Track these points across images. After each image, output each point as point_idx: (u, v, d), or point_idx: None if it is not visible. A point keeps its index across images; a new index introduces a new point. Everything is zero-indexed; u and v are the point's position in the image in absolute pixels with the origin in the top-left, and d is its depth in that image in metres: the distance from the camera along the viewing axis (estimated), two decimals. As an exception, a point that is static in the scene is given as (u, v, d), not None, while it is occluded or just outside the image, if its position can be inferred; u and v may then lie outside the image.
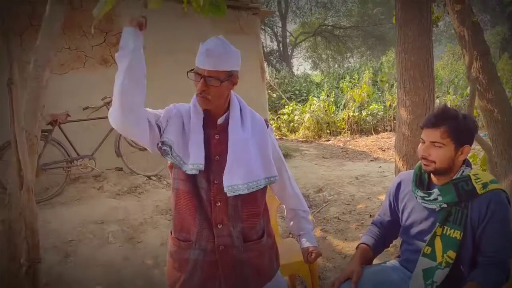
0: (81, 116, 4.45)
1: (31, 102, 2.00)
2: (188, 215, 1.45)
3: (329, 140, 7.34)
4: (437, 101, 7.94)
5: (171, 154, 1.42)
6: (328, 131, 7.82)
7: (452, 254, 1.54)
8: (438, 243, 1.58)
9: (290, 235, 3.22)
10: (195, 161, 1.39)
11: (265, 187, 1.51)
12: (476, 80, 3.14)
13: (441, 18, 3.69)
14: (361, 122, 8.01)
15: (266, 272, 1.55)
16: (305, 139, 7.52)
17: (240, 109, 1.49)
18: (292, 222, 1.73)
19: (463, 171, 1.61)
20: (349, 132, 7.72)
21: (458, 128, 1.56)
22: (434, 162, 1.58)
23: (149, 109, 1.45)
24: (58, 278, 2.80)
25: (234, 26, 5.37)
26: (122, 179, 4.55)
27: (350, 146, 6.67)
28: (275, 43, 19.41)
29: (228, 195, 1.40)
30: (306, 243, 1.68)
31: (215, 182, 1.42)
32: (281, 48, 18.73)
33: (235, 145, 1.42)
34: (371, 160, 5.54)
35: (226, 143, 1.44)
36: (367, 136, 7.60)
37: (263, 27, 17.01)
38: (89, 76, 4.64)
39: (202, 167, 1.39)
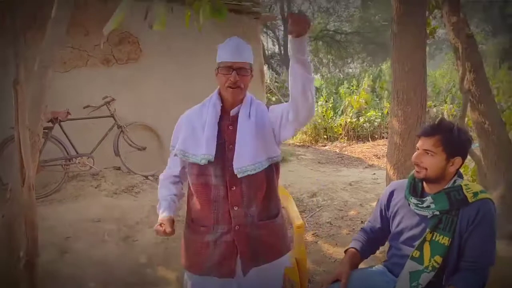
0: (81, 115, 4.51)
1: (34, 102, 2.07)
2: (205, 203, 1.62)
3: (325, 146, 7.42)
4: (434, 110, 8.03)
5: (187, 157, 1.63)
6: (325, 137, 7.90)
7: (439, 259, 1.62)
8: (426, 248, 1.66)
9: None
10: (206, 152, 1.57)
11: (271, 168, 1.65)
12: (469, 92, 3.21)
13: (440, 28, 3.78)
14: (358, 129, 8.08)
15: (276, 249, 1.70)
16: (302, 143, 7.59)
17: (250, 101, 1.66)
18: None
19: (455, 181, 1.70)
20: (346, 138, 7.79)
21: (451, 139, 1.65)
22: (426, 169, 1.67)
23: (174, 174, 1.76)
24: (53, 274, 2.86)
25: (235, 30, 5.42)
26: (120, 178, 4.61)
27: (346, 152, 6.74)
28: (277, 46, 19.51)
29: (238, 176, 1.56)
30: None
31: (229, 168, 1.58)
32: (282, 52, 18.81)
33: (242, 132, 1.59)
34: (365, 167, 5.62)
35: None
36: (364, 142, 7.67)
37: (265, 30, 17.11)
38: (91, 75, 4.70)
39: (212, 157, 1.57)
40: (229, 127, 1.63)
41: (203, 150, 1.58)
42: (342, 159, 6.18)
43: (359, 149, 6.94)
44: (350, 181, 4.74)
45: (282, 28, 18.23)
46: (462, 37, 3.17)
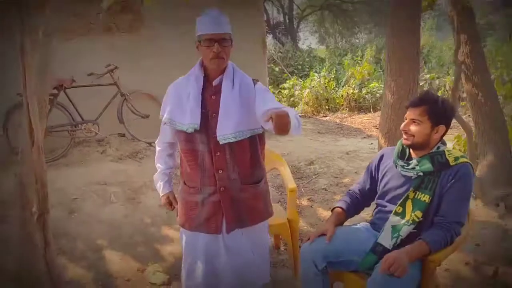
0: (86, 82, 4.61)
1: (40, 69, 2.18)
2: (193, 166, 1.77)
3: (326, 116, 7.50)
4: (437, 81, 8.03)
5: (174, 125, 1.74)
6: (327, 107, 7.95)
7: (419, 213, 1.80)
8: (409, 205, 1.84)
9: (279, 202, 3.46)
10: (191, 122, 1.69)
11: (255, 138, 1.77)
12: (462, 64, 3.27)
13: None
14: (360, 100, 8.11)
15: (260, 213, 1.86)
16: (303, 114, 7.67)
17: (233, 72, 1.75)
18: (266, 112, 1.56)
19: (438, 147, 1.87)
20: (347, 109, 7.85)
21: (435, 109, 1.83)
22: (413, 136, 1.85)
23: (167, 140, 1.92)
24: (63, 232, 3.07)
25: (237, -1, 5.42)
26: (124, 144, 4.77)
27: (346, 123, 6.83)
28: (282, 15, 19.15)
29: (220, 143, 1.68)
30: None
31: (213, 136, 1.70)
32: (287, 21, 18.50)
33: (225, 102, 1.70)
34: (364, 137, 5.72)
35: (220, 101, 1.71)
36: (365, 113, 7.73)
37: (270, -1, 16.78)
38: (94, 43, 4.76)
39: (197, 126, 1.68)
40: (212, 96, 1.73)
41: (188, 120, 1.69)
42: (341, 129, 6.28)
43: (359, 120, 7.02)
44: (347, 150, 4.87)
45: (287, -4, 17.84)
46: (458, 8, 3.19)
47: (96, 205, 3.43)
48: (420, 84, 7.90)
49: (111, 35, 4.87)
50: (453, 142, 4.03)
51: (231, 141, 1.68)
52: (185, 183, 1.85)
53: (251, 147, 1.78)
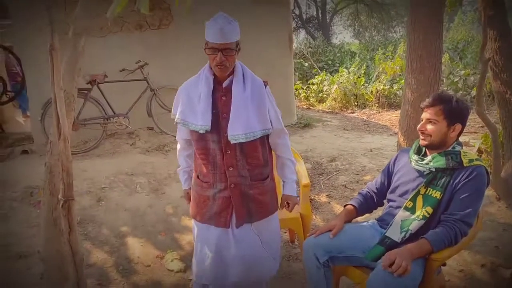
0: (118, 78, 4.83)
1: (69, 66, 2.33)
2: (206, 163, 1.86)
3: (354, 113, 7.40)
4: (472, 78, 7.71)
5: (187, 125, 1.83)
6: (356, 104, 7.84)
7: (429, 209, 1.82)
8: (419, 200, 1.87)
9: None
10: (203, 123, 1.77)
11: (263, 138, 1.87)
12: (488, 61, 3.16)
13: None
14: (391, 96, 7.93)
15: (267, 207, 1.94)
16: (331, 110, 7.60)
17: (243, 73, 1.82)
18: (279, 169, 2.05)
19: (454, 147, 1.89)
20: (377, 105, 7.70)
21: (451, 108, 1.85)
22: (430, 136, 1.88)
23: (184, 137, 1.98)
24: (90, 218, 3.27)
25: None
26: (152, 137, 4.98)
27: (373, 120, 6.71)
28: (314, 9, 18.95)
29: (231, 142, 1.77)
30: (286, 191, 2.03)
31: (225, 135, 1.79)
32: (320, 15, 18.29)
33: (236, 103, 1.77)
34: (390, 135, 5.61)
35: (231, 102, 1.78)
36: (396, 110, 7.56)
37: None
38: (126, 40, 4.98)
39: (208, 128, 1.77)
40: (223, 97, 1.80)
41: (200, 121, 1.77)
42: (368, 126, 6.19)
43: (387, 116, 6.88)
44: (371, 147, 4.81)
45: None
46: (486, 3, 3.09)
47: (122, 194, 3.62)
48: (455, 80, 7.66)
49: (142, 32, 5.06)
50: (479, 141, 3.91)
51: (242, 141, 1.76)
52: (198, 178, 1.94)
53: (260, 146, 1.86)
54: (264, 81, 1.88)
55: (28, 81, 4.89)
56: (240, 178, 1.83)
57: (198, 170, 1.93)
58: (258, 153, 1.86)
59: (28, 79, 4.90)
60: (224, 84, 1.80)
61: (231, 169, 1.82)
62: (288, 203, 2.00)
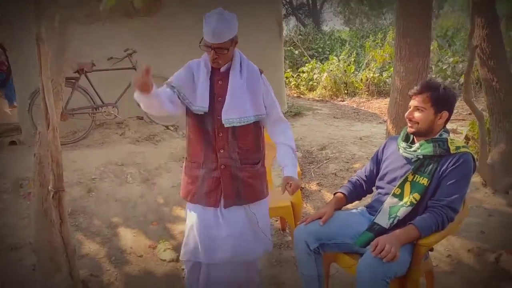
0: (106, 66, 4.76)
1: (57, 55, 2.30)
2: (198, 143, 1.91)
3: (344, 101, 7.43)
4: (460, 65, 7.77)
5: (181, 96, 1.84)
6: (346, 92, 7.87)
7: (417, 196, 1.85)
8: (407, 187, 1.90)
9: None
10: (200, 104, 1.84)
11: (258, 123, 1.93)
12: (475, 49, 3.19)
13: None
14: (381, 84, 7.97)
15: (257, 192, 1.98)
16: (321, 98, 7.62)
17: (240, 61, 1.88)
18: (279, 155, 2.01)
19: (441, 134, 1.92)
20: (366, 93, 7.74)
21: (437, 96, 1.87)
22: (417, 123, 1.90)
23: (167, 90, 1.86)
24: (81, 209, 3.26)
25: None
26: (142, 127, 4.94)
27: (363, 108, 6.76)
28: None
29: (225, 126, 1.83)
30: (287, 173, 1.95)
31: (218, 117, 1.85)
32: (310, 2, 18.17)
33: (232, 88, 1.84)
34: (379, 122, 5.66)
35: (227, 87, 1.85)
36: (385, 98, 7.61)
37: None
38: (113, 28, 4.89)
39: (206, 109, 1.83)
40: (219, 81, 1.88)
41: (198, 102, 1.84)
42: (357, 114, 6.24)
43: (377, 104, 6.93)
44: (361, 135, 4.86)
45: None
46: (474, -9, 3.10)
47: (113, 185, 3.60)
48: (443, 68, 7.71)
49: (130, 20, 4.97)
50: (467, 128, 3.97)
51: (236, 125, 1.84)
52: (188, 157, 2.00)
53: (253, 131, 1.92)
54: (260, 70, 1.94)
55: (15, 71, 4.79)
56: (230, 160, 1.89)
57: (188, 150, 1.99)
58: (250, 137, 1.91)
59: (14, 69, 4.81)
60: (222, 69, 1.87)
61: (222, 151, 1.88)
62: (290, 184, 1.91)
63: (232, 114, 1.83)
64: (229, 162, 1.89)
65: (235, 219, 1.92)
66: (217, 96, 1.86)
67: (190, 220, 1.99)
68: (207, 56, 1.85)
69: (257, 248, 1.98)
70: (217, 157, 1.88)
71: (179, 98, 1.87)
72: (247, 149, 1.92)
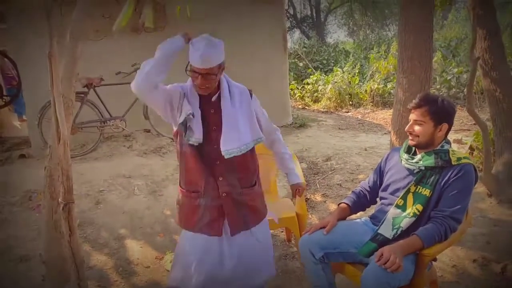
0: (114, 80, 4.86)
1: (67, 71, 2.37)
2: (196, 172, 1.87)
3: (348, 112, 7.47)
4: (464, 76, 7.79)
5: (186, 125, 1.78)
6: (351, 103, 7.91)
7: (419, 207, 1.88)
8: (410, 198, 1.92)
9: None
10: (196, 136, 1.80)
11: (253, 147, 1.92)
12: (477, 60, 3.23)
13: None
14: (385, 95, 8.00)
15: (260, 212, 2.01)
16: (326, 109, 7.67)
17: (228, 87, 1.86)
18: (279, 163, 2.24)
19: (443, 145, 1.94)
20: (371, 104, 7.77)
21: (436, 109, 1.90)
22: (418, 136, 1.93)
23: (168, 87, 1.84)
24: (89, 221, 3.31)
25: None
26: (149, 139, 5.02)
27: (368, 119, 6.79)
28: (309, 8, 18.99)
29: (226, 157, 1.80)
30: (292, 181, 2.22)
31: (215, 146, 1.83)
32: (315, 15, 18.35)
33: (227, 119, 1.81)
34: (384, 133, 5.68)
35: (220, 115, 1.83)
36: (390, 109, 7.64)
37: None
38: (121, 43, 5.00)
39: (201, 140, 1.80)
40: (211, 111, 1.84)
41: (193, 134, 1.79)
42: (362, 125, 6.26)
43: (381, 115, 6.96)
44: (366, 146, 4.88)
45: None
46: (476, 2, 3.15)
47: (120, 197, 3.66)
48: (448, 78, 7.74)
49: (137, 35, 5.09)
50: (472, 139, 3.98)
51: (237, 154, 1.81)
52: (185, 187, 1.94)
53: (250, 155, 1.91)
54: (249, 90, 1.93)
55: (24, 85, 4.91)
56: (231, 186, 1.88)
57: (185, 179, 1.93)
58: (248, 162, 1.92)
59: (24, 83, 4.93)
60: (213, 99, 1.85)
61: (221, 178, 1.86)
62: (298, 190, 2.16)
63: (231, 145, 1.79)
64: (230, 189, 1.87)
65: (244, 243, 1.92)
66: (211, 126, 1.83)
67: (188, 249, 1.95)
68: (191, 84, 1.82)
69: (268, 269, 2.01)
70: (218, 185, 1.86)
71: (176, 109, 1.80)
72: (246, 173, 1.92)
